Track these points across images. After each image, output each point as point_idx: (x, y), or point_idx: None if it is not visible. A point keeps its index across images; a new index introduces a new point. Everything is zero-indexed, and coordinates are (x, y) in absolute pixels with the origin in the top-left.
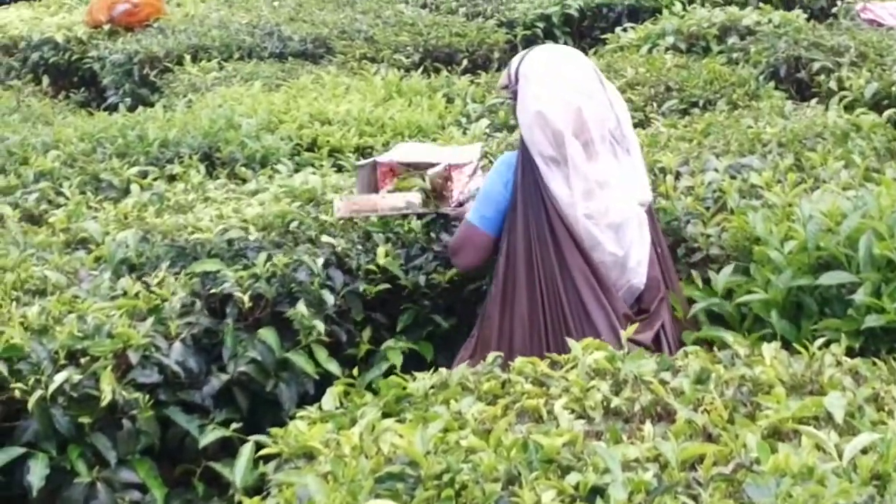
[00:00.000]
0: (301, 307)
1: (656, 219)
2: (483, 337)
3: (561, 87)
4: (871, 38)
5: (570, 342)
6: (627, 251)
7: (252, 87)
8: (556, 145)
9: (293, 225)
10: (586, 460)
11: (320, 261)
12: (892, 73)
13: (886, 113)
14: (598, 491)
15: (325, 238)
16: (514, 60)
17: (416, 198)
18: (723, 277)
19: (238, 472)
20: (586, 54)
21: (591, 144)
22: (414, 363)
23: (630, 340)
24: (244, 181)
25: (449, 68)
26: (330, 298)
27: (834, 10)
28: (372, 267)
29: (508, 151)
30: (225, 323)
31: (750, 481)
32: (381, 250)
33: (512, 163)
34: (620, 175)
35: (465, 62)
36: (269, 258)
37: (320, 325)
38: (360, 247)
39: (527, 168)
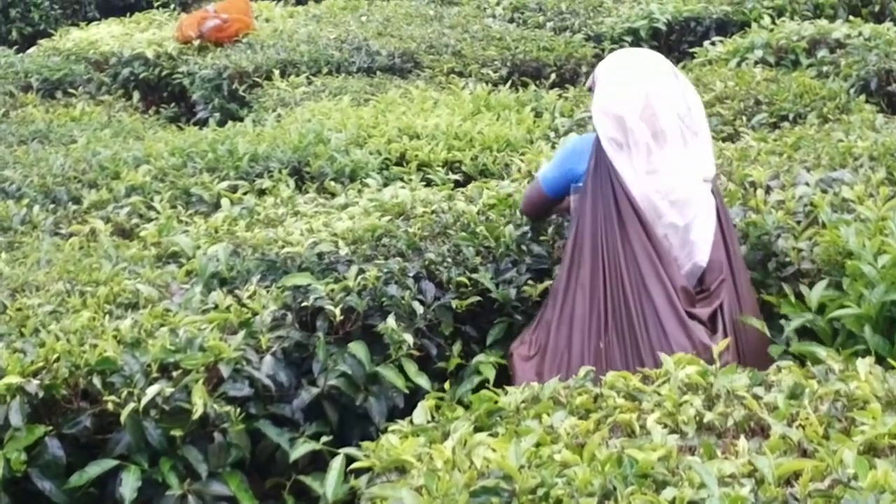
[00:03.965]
0: (391, 321)
1: (724, 206)
2: (546, 316)
3: (628, 78)
4: None
5: (664, 357)
6: (689, 224)
7: (340, 102)
8: (619, 128)
9: (384, 239)
10: (681, 475)
11: (411, 274)
12: None
13: None
14: None
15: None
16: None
17: None
18: (816, 293)
19: (329, 485)
20: None
21: (661, 131)
22: (503, 377)
23: (687, 313)
24: (333, 195)
25: (537, 83)
26: (420, 310)
27: None
28: (463, 279)
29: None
30: (315, 336)
31: (848, 497)
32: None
33: (591, 142)
34: (687, 157)
35: (552, 76)
36: (361, 272)
37: (409, 338)
38: (450, 259)
39: (598, 155)
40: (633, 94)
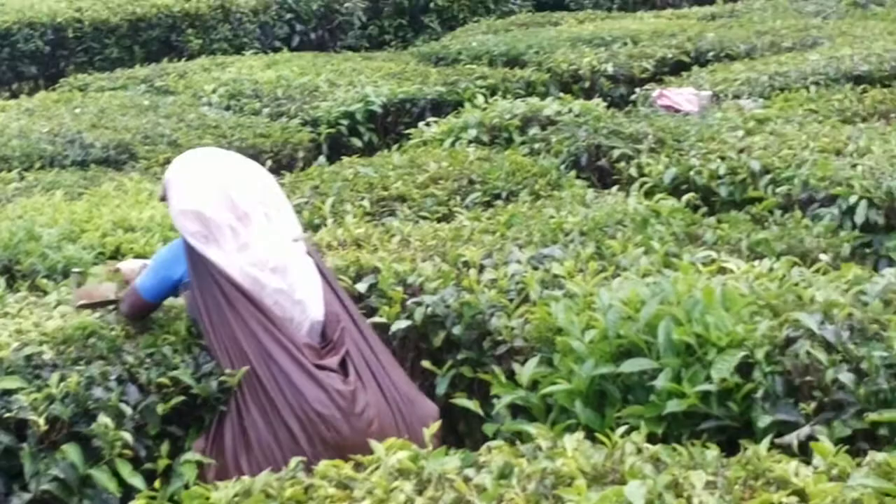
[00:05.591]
0: (103, 419)
1: (323, 264)
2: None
3: (201, 177)
4: (668, 123)
5: (373, 444)
6: (292, 285)
7: (53, 197)
8: (199, 222)
9: (91, 339)
10: None
11: (113, 377)
12: (689, 157)
13: (685, 197)
14: None
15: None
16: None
17: (114, 287)
18: (528, 370)
19: None
20: (390, 150)
21: (245, 214)
22: None
23: (316, 366)
24: (46, 293)
25: None
26: (128, 412)
27: (632, 97)
28: (164, 380)
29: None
30: (21, 447)
31: None
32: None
33: (181, 245)
34: (273, 228)
35: (269, 162)
36: (63, 378)
37: (126, 436)
38: (149, 360)
39: (190, 254)
40: (210, 190)
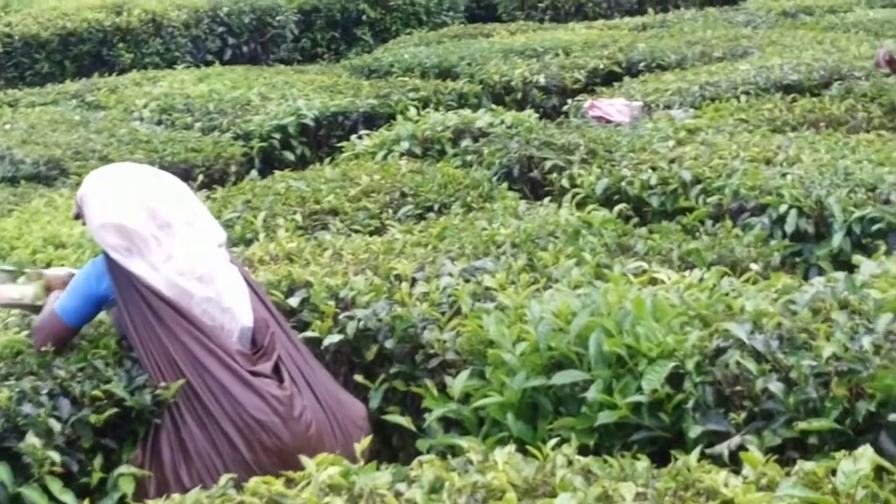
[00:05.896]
0: (32, 438)
1: (247, 272)
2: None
3: (117, 191)
4: (599, 134)
5: (304, 459)
6: (219, 293)
7: None
8: (121, 236)
9: (21, 356)
10: None
11: (45, 391)
12: (620, 168)
13: (616, 208)
14: None
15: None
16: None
17: (30, 291)
18: (459, 383)
19: None
20: (322, 163)
21: (166, 224)
22: None
23: (251, 372)
24: None
25: (186, 184)
26: (57, 427)
27: (564, 108)
28: (97, 393)
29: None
30: None
31: None
32: None
33: (103, 261)
34: (195, 236)
35: (200, 177)
36: None
37: (55, 455)
38: (81, 374)
39: (113, 269)
40: (128, 203)
